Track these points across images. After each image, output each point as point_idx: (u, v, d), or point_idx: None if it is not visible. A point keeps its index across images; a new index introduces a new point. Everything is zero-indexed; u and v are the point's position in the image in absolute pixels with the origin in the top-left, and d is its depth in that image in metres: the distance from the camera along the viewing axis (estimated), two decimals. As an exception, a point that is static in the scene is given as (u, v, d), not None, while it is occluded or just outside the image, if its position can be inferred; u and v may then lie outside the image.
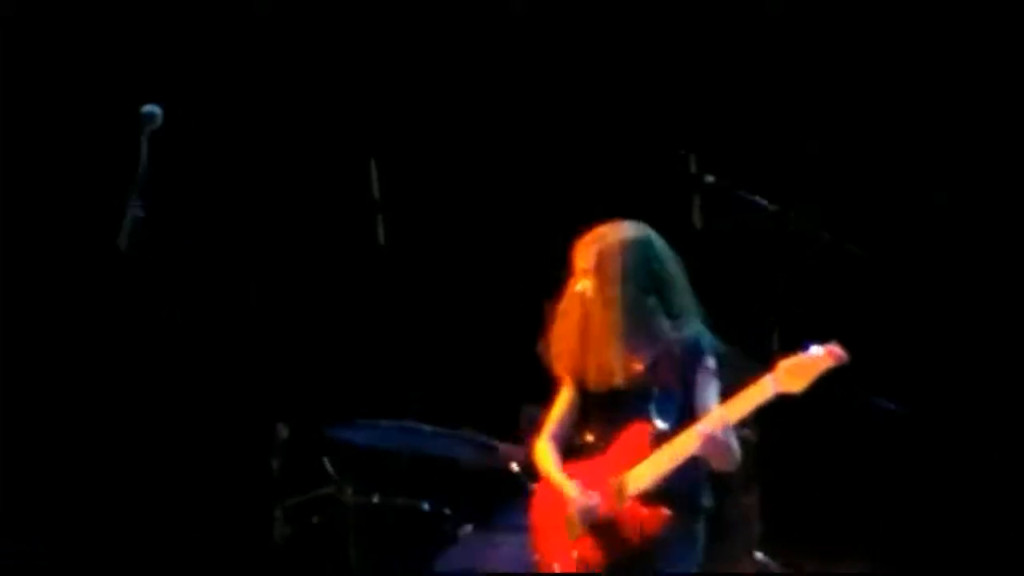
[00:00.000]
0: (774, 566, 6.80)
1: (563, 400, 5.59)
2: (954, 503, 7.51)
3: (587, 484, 5.44)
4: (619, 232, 5.51)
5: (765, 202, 6.66)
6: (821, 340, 5.16)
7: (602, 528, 5.41)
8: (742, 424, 6.38)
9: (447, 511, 7.12)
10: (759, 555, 6.78)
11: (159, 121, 5.60)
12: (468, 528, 7.00)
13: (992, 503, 7.35)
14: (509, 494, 6.45)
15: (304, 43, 7.96)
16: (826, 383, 5.63)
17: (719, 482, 6.47)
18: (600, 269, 5.47)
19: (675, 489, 5.37)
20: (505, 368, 6.45)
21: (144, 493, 7.85)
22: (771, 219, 6.71)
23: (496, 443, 6.52)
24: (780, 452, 7.17)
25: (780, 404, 5.88)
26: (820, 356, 5.16)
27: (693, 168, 7.00)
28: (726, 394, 5.42)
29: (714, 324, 5.58)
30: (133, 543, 7.63)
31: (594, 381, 5.50)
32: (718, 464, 5.32)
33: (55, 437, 7.76)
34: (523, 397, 6.10)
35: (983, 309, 7.52)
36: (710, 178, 6.80)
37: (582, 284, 5.48)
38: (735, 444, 5.32)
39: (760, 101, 7.77)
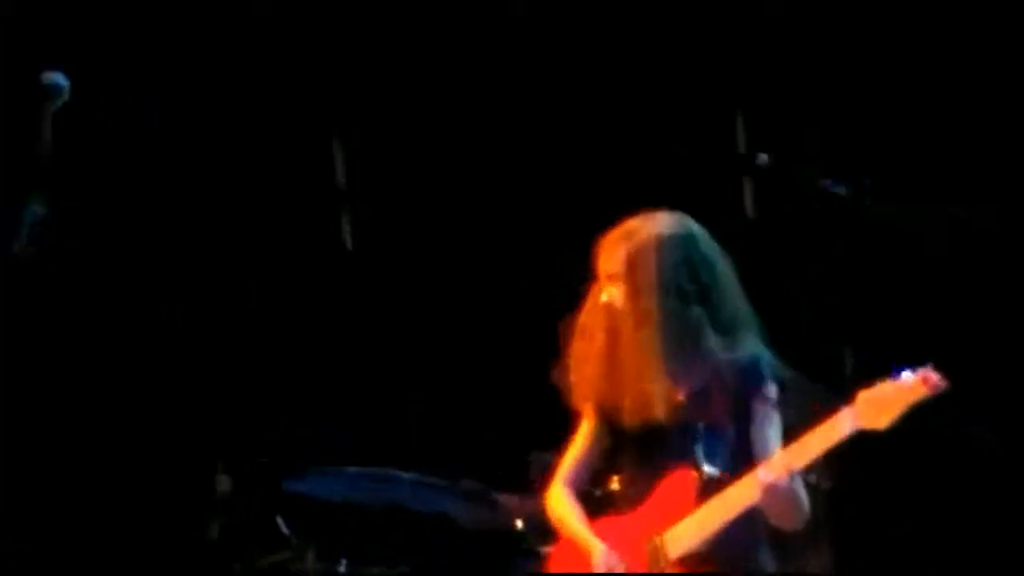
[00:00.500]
0: None
1: (584, 437, 5.30)
2: None
3: (615, 545, 5.15)
4: (653, 227, 5.21)
5: (837, 186, 6.17)
6: (911, 364, 4.88)
7: None
8: (809, 468, 5.95)
9: None
10: None
11: (66, 94, 5.26)
12: None
13: None
14: (513, 559, 6.33)
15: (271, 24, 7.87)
16: (916, 414, 5.14)
17: (782, 541, 5.92)
18: (631, 274, 5.18)
19: (727, 552, 5.05)
20: (510, 404, 6.79)
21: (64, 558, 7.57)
22: (845, 207, 6.21)
23: (497, 495, 6.33)
24: (858, 501, 6.97)
25: (856, 440, 5.34)
26: (912, 384, 4.84)
27: (743, 146, 7.15)
28: (790, 431, 5.13)
29: (774, 342, 5.25)
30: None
31: (625, 415, 5.19)
32: (781, 520, 5.05)
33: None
34: (532, 441, 5.93)
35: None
36: (764, 157, 6.29)
37: (608, 293, 5.19)
38: (803, 494, 5.05)
39: (826, 57, 7.56)
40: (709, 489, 5.04)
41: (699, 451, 5.11)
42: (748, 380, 5.12)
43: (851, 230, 6.64)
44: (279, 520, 6.65)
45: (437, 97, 7.94)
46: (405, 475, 6.50)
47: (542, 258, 6.84)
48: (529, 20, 7.75)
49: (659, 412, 5.12)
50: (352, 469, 6.50)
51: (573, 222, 5.74)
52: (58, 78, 5.20)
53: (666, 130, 7.59)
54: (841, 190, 6.13)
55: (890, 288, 7.22)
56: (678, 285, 5.14)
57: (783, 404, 5.19)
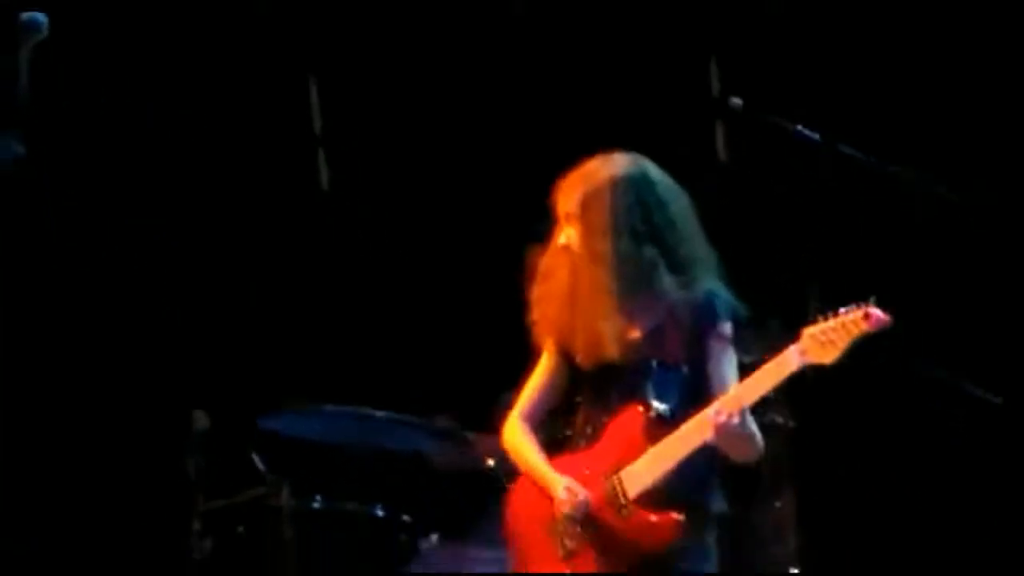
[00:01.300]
0: None
1: (542, 372, 5.40)
2: None
3: (581, 481, 5.27)
4: (608, 169, 5.32)
5: (806, 131, 6.17)
6: (858, 302, 5.07)
7: (602, 541, 5.18)
8: (768, 407, 6.50)
9: (406, 518, 6.84)
10: (794, 572, 6.83)
11: (44, 31, 5.10)
12: (433, 539, 6.78)
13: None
14: (485, 497, 6.36)
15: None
16: (890, 358, 5.80)
17: (745, 482, 6.40)
18: (585, 215, 5.28)
19: (680, 490, 5.17)
20: (483, 345, 6.72)
21: (37, 499, 7.69)
22: (814, 152, 6.20)
23: (469, 435, 6.45)
24: (822, 444, 7.18)
25: (822, 383, 5.61)
26: (854, 319, 5.01)
27: (716, 89, 7.21)
28: (750, 370, 5.24)
29: (739, 283, 5.37)
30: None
31: (579, 353, 5.30)
32: (736, 455, 5.18)
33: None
34: (504, 382, 5.73)
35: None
36: (737, 101, 6.19)
37: (566, 234, 5.30)
38: (755, 430, 5.15)
39: (801, 6, 7.66)
40: (658, 426, 5.15)
41: (650, 389, 5.21)
42: (703, 318, 5.23)
43: (819, 174, 6.60)
44: (255, 457, 6.74)
45: (411, 38, 7.91)
46: (380, 414, 6.58)
47: (517, 197, 6.43)
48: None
49: (611, 351, 5.22)
50: (328, 407, 6.60)
51: (547, 163, 5.52)
52: (37, 16, 5.01)
53: (643, 73, 7.63)
54: (811, 136, 6.13)
55: (855, 230, 7.28)
56: (631, 226, 5.24)
57: (741, 342, 5.29)
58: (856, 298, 5.13)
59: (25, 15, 4.98)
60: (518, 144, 7.53)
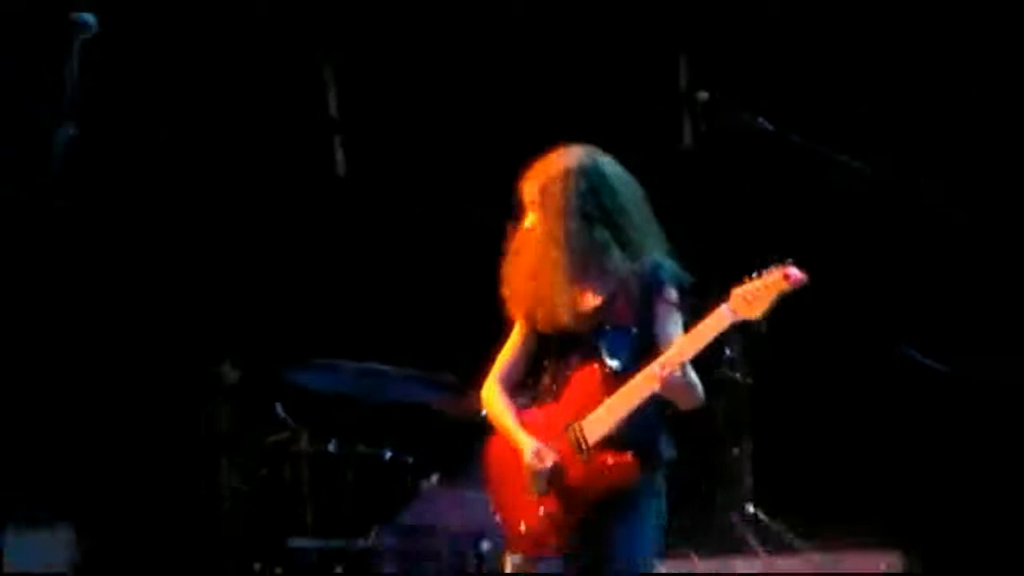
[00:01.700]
0: (766, 522, 7.16)
1: (514, 340, 5.66)
2: (967, 465, 7.60)
3: (544, 434, 5.49)
4: (564, 160, 5.56)
5: (765, 123, 6.62)
6: (779, 263, 5.33)
7: (568, 482, 5.42)
8: (729, 366, 7.23)
9: (410, 460, 7.19)
10: (750, 509, 7.12)
11: (94, 29, 5.53)
12: (433, 479, 7.10)
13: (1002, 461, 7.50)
14: (479, 443, 6.14)
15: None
16: (838, 327, 6.35)
17: (709, 430, 7.07)
18: (543, 202, 5.54)
19: (633, 436, 5.38)
20: (481, 312, 6.23)
21: (74, 443, 7.86)
22: (771, 141, 6.66)
23: (469, 389, 6.30)
24: (775, 399, 7.41)
25: (779, 344, 6.20)
26: (775, 279, 5.25)
27: (684, 82, 7.38)
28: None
29: (698, 255, 5.63)
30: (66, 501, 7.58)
31: (543, 323, 5.55)
32: (680, 403, 5.40)
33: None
34: (501, 343, 5.89)
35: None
36: (703, 95, 6.72)
37: (529, 219, 5.55)
38: (696, 380, 5.39)
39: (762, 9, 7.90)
40: (612, 380, 5.38)
41: (604, 349, 5.43)
42: (649, 285, 5.44)
43: (775, 161, 6.94)
44: (278, 407, 7.22)
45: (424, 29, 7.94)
46: (389, 369, 6.93)
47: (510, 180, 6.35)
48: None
49: (565, 319, 5.48)
50: (345, 363, 6.91)
51: (537, 149, 5.64)
52: (86, 15, 5.47)
53: (618, 69, 7.80)
54: (769, 127, 6.53)
55: (803, 209, 7.53)
56: (583, 210, 5.47)
57: (688, 306, 5.49)
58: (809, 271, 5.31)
59: (76, 14, 5.44)
60: (512, 132, 7.48)
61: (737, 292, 5.25)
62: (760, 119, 6.64)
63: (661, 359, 5.31)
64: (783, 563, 7.02)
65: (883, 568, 6.90)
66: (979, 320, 7.66)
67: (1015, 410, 7.46)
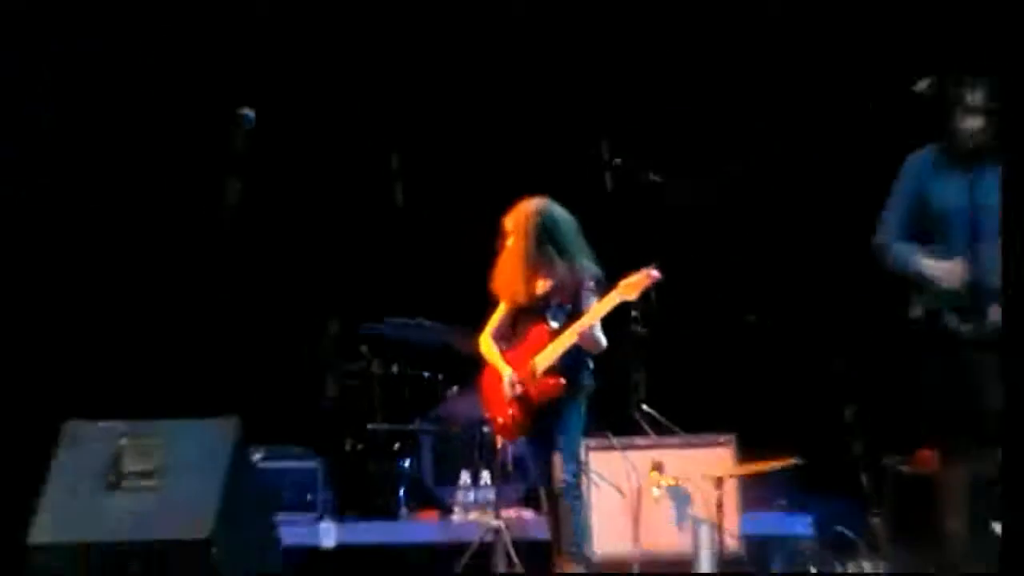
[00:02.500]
0: (655, 415, 8.11)
1: (499, 312, 6.77)
2: (779, 382, 8.60)
3: (515, 365, 6.67)
4: (529, 206, 6.65)
5: (654, 175, 8.16)
6: (650, 265, 6.23)
7: (524, 394, 6.65)
8: (631, 322, 8.06)
9: (440, 377, 8.68)
10: (645, 407, 8.16)
11: (253, 124, 6.32)
12: (454, 389, 8.61)
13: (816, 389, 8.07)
14: (479, 371, 7.07)
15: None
16: (705, 303, 7.31)
17: (618, 363, 7.44)
18: (516, 230, 6.67)
19: (564, 367, 6.59)
20: (482, 291, 6.99)
21: (240, 357, 8.34)
22: (659, 188, 8.14)
23: (475, 336, 7.14)
24: (664, 345, 8.35)
25: (666, 312, 7.78)
26: (643, 275, 6.36)
27: (606, 153, 8.27)
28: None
29: (611, 261, 6.55)
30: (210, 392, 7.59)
31: (512, 301, 6.71)
32: (592, 349, 6.52)
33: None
34: (491, 310, 6.96)
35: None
36: (618, 160, 8.32)
37: (510, 240, 6.69)
38: (599, 335, 6.48)
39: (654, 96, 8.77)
40: (553, 334, 6.58)
41: (549, 316, 6.60)
42: (578, 279, 6.58)
43: (661, 200, 8.31)
44: (362, 347, 8.57)
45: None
46: (429, 323, 8.41)
47: (499, 215, 6.92)
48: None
49: (524, 299, 6.61)
50: (399, 319, 8.33)
51: (515, 196, 6.60)
52: (249, 113, 6.34)
53: (565, 146, 8.90)
54: (657, 178, 8.22)
55: (674, 227, 8.50)
56: (538, 235, 6.57)
57: (597, 290, 6.52)
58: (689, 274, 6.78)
59: (244, 111, 6.34)
60: (501, 185, 7.50)
61: (623, 282, 6.42)
62: (651, 174, 8.24)
63: (580, 322, 6.49)
64: (665, 441, 7.77)
65: (721, 441, 7.53)
66: (792, 293, 8.69)
67: (805, 346, 8.43)
